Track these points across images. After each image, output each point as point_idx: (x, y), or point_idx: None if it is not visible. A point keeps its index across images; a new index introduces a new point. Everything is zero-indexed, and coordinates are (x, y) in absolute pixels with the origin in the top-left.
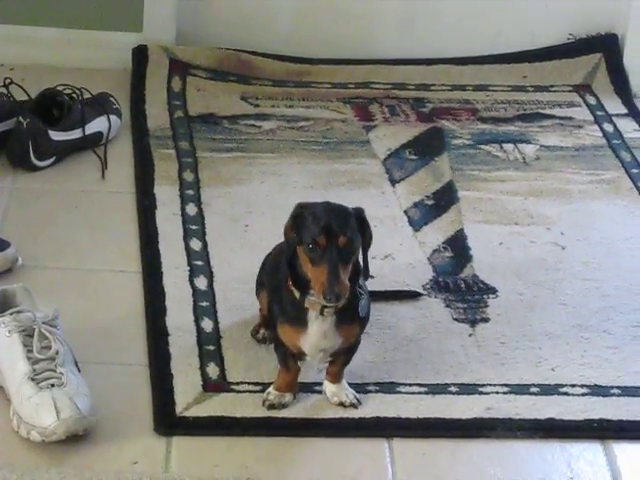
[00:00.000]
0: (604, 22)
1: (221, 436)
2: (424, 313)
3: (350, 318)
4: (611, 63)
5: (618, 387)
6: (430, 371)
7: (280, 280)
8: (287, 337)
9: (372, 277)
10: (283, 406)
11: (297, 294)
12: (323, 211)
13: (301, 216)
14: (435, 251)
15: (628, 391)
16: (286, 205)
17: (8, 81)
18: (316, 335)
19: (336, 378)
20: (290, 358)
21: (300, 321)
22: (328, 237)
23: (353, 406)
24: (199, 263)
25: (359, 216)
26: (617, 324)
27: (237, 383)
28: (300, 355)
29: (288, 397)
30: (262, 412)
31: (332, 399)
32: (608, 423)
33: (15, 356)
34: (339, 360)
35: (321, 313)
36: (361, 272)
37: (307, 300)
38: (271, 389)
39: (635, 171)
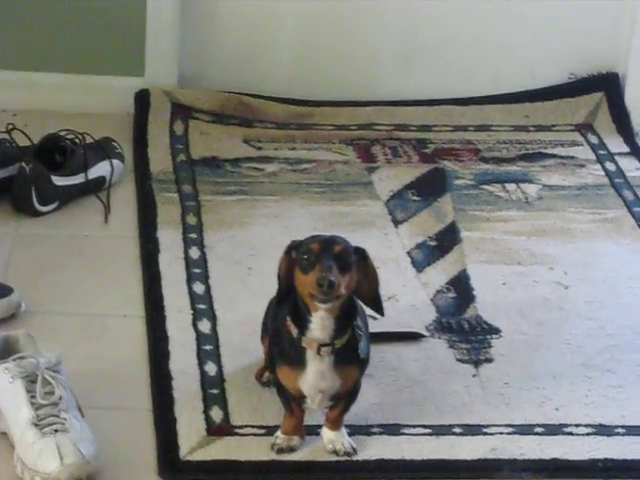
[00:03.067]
0: (605, 61)
1: None
2: (427, 354)
3: (348, 359)
4: (612, 102)
5: (623, 426)
6: (434, 412)
7: (279, 321)
8: (286, 379)
9: (380, 317)
10: (292, 449)
11: (295, 332)
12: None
13: (294, 245)
14: (438, 292)
15: (633, 430)
16: None
17: (11, 127)
18: (314, 375)
19: (335, 425)
20: (293, 402)
21: (298, 362)
22: (322, 245)
23: (347, 455)
24: (202, 307)
25: (361, 254)
26: (621, 363)
27: (241, 427)
28: (300, 398)
29: (296, 440)
30: (266, 455)
31: (327, 446)
32: (613, 463)
33: (18, 402)
34: (338, 406)
35: (318, 352)
36: (358, 312)
37: (304, 339)
38: (279, 433)
39: (638, 209)
